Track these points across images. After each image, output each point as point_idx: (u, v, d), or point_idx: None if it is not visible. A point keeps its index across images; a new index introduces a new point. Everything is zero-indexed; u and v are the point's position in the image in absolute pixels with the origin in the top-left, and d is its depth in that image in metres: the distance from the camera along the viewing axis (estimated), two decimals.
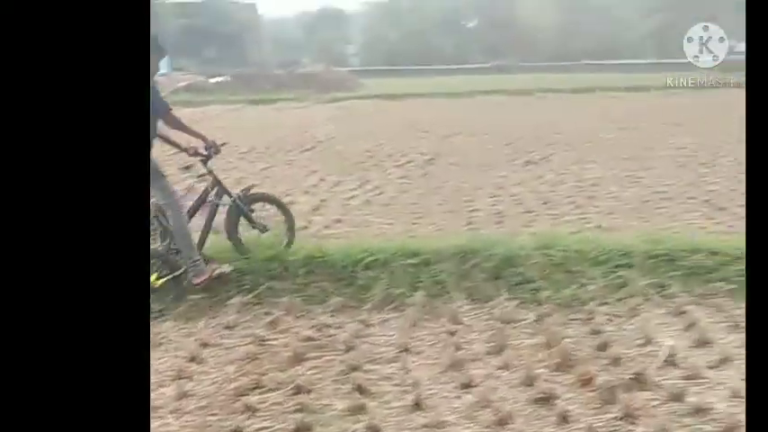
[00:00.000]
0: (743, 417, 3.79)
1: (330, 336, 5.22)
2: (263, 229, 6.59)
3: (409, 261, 6.16)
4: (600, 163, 12.55)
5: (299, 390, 4.35)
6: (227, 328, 5.43)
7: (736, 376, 4.30)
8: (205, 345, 5.11)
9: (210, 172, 6.40)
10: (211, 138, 6.36)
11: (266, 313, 5.63)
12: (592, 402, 4.10)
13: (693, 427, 3.81)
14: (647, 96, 26.43)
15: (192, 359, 4.88)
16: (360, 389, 4.33)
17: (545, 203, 9.45)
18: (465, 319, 5.43)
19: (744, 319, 4.97)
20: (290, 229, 6.68)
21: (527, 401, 4.14)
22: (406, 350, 4.89)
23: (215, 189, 6.39)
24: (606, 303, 5.58)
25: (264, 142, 15.52)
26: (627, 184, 10.62)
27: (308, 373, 4.61)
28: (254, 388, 4.43)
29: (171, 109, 5.91)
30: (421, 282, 5.95)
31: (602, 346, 4.80)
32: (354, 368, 4.62)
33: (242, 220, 6.51)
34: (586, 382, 4.29)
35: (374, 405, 4.16)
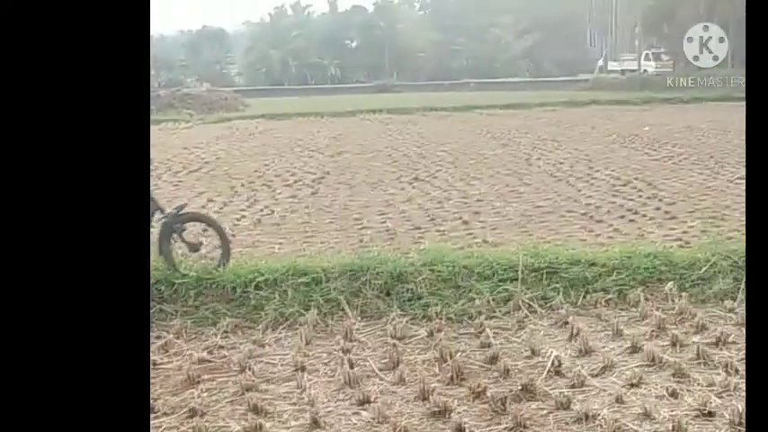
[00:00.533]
0: (625, 421, 3.99)
1: (223, 357, 5.18)
2: (195, 249, 6.62)
3: (300, 280, 6.18)
4: (483, 179, 12.89)
5: (193, 413, 4.31)
6: None
7: (618, 382, 4.51)
8: None
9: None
10: None
11: (157, 337, 5.54)
12: (484, 414, 4.22)
13: None
14: (526, 113, 27.27)
15: None
16: (256, 409, 4.32)
17: (432, 220, 9.64)
18: (359, 335, 5.49)
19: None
20: (225, 248, 6.67)
21: (423, 415, 4.22)
22: (302, 368, 4.90)
23: None
24: (494, 317, 5.74)
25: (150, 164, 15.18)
26: (509, 199, 10.95)
27: (204, 395, 4.56)
28: None
29: None
30: (313, 300, 5.97)
31: (492, 359, 4.94)
32: (249, 388, 4.60)
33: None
34: (478, 394, 4.41)
35: (271, 425, 4.16)
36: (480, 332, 5.44)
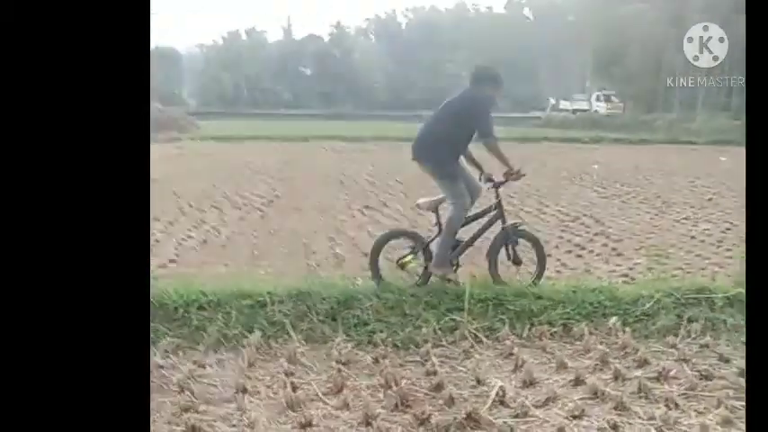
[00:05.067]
0: None
1: (163, 377, 5.06)
2: (519, 263, 6.84)
3: (245, 302, 6.08)
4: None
5: None
6: None
7: (560, 413, 4.51)
8: None
9: (498, 198, 6.93)
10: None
11: None
12: None
13: None
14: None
15: None
16: (194, 430, 4.22)
17: None
18: (303, 359, 5.41)
19: None
20: (540, 267, 6.89)
21: None
22: (243, 390, 4.82)
23: (494, 212, 6.88)
24: (440, 345, 5.72)
25: None
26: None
27: None
28: None
29: (497, 139, 6.63)
30: (257, 323, 5.88)
31: (437, 387, 4.91)
32: (188, 409, 4.49)
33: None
34: (422, 421, 4.37)
35: None
36: (426, 360, 5.41)
